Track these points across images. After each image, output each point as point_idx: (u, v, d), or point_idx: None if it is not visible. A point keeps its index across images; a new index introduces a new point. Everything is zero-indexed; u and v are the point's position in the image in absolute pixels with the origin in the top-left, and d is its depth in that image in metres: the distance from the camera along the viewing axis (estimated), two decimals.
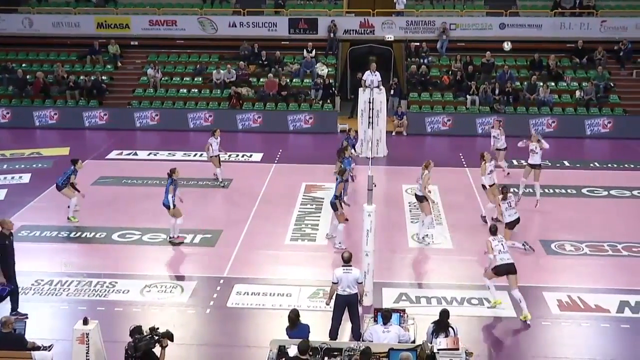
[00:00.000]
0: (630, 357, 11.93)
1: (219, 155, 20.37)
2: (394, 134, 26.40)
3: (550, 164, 22.02)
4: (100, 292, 13.89)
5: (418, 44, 29.86)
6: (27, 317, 12.34)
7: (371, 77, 23.48)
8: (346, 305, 11.68)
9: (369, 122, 22.70)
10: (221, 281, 14.44)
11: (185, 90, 28.91)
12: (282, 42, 30.60)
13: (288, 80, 28.57)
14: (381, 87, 23.44)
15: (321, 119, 27.41)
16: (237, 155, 23.84)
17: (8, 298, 12.67)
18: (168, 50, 30.99)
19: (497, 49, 29.60)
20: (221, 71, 28.77)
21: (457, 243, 16.42)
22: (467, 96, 27.68)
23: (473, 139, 26.26)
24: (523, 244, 15.68)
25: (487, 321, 13.09)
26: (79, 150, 23.93)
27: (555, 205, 18.79)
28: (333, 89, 28.73)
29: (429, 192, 16.50)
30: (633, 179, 21.46)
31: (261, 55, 29.65)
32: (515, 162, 22.39)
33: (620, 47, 29.29)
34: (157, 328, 9.63)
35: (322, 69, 29.07)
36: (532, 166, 18.54)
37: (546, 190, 19.43)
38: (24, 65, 30.10)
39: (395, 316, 10.72)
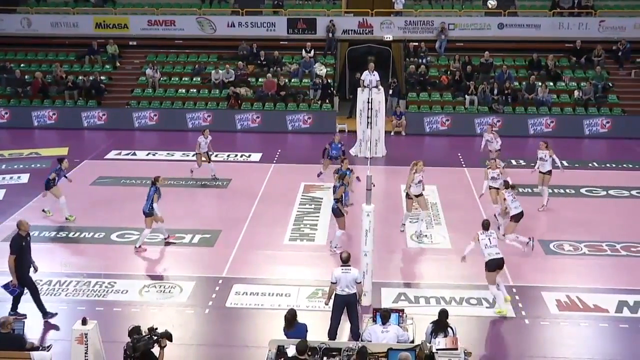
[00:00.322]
0: (629, 356, 11.93)
1: (207, 152, 20.62)
2: (392, 134, 26.40)
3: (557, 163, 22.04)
4: (99, 292, 13.89)
5: (417, 43, 29.87)
6: (25, 318, 12.34)
7: (369, 77, 23.51)
8: (345, 305, 11.69)
9: (368, 122, 22.71)
10: (220, 281, 14.44)
11: (183, 90, 28.91)
12: (281, 42, 30.60)
13: (287, 80, 28.57)
14: (380, 87, 23.45)
15: (320, 119, 27.41)
16: (236, 155, 23.86)
17: (12, 297, 12.72)
18: (167, 50, 30.99)
19: (495, 49, 29.62)
20: (220, 71, 28.77)
21: (455, 243, 16.40)
22: (466, 96, 27.70)
23: (471, 138, 26.21)
24: (529, 239, 15.72)
25: (486, 321, 13.10)
26: (77, 151, 23.97)
27: (553, 205, 18.77)
28: (332, 89, 28.74)
29: (413, 190, 16.62)
30: (632, 179, 21.48)
31: (260, 55, 29.66)
32: (514, 162, 22.46)
33: (619, 47, 29.30)
34: (156, 328, 9.62)
35: (320, 69, 29.07)
36: (543, 173, 18.53)
37: (535, 190, 19.39)
38: (22, 65, 30.12)
39: (394, 316, 10.73)
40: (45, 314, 12.75)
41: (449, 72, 28.97)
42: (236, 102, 27.81)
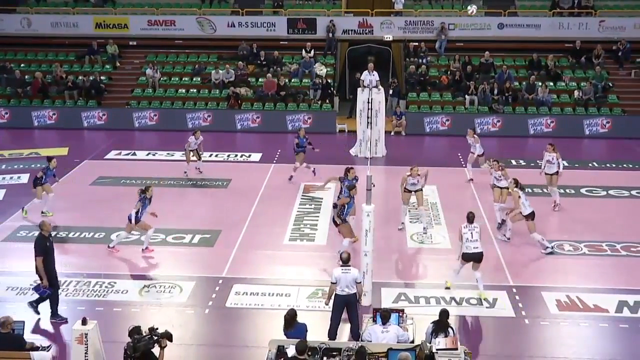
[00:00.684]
0: (628, 356, 11.93)
1: (196, 149, 20.94)
2: (392, 134, 26.39)
3: (565, 163, 22.06)
4: (99, 292, 13.89)
5: (417, 43, 29.88)
6: (66, 321, 12.51)
7: (369, 77, 23.51)
8: (345, 305, 11.69)
9: (368, 122, 22.72)
10: (220, 281, 14.44)
11: (183, 91, 28.91)
12: (281, 42, 30.60)
13: (287, 80, 28.57)
14: (380, 87, 23.45)
15: (320, 119, 27.40)
16: (236, 155, 23.86)
17: (49, 304, 12.78)
18: (167, 51, 30.99)
19: (495, 49, 29.63)
20: (220, 71, 28.76)
21: (455, 243, 16.33)
22: (466, 96, 27.70)
23: None
24: (552, 246, 15.70)
25: (486, 321, 13.10)
26: (77, 151, 23.98)
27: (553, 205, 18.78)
28: (332, 89, 28.74)
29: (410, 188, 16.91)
30: (632, 179, 21.48)
31: (260, 55, 29.65)
32: (514, 162, 22.48)
33: (619, 47, 29.30)
34: (156, 328, 9.62)
35: (320, 69, 29.07)
36: (550, 174, 18.50)
37: (545, 190, 19.43)
38: (22, 65, 30.14)
39: (394, 316, 10.73)
40: (55, 315, 12.72)
41: (449, 72, 28.97)
42: (236, 102, 27.81)
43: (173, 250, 16.09)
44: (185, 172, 21.11)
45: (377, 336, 10.30)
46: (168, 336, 9.58)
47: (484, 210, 18.04)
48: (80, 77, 28.84)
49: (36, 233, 16.61)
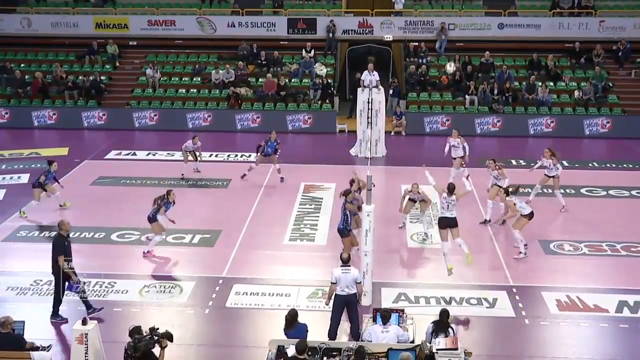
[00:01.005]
0: (629, 356, 11.93)
1: (193, 151, 21.04)
2: (392, 134, 26.39)
3: (563, 165, 22.07)
4: (99, 292, 13.88)
5: (417, 44, 29.87)
6: (66, 321, 12.61)
7: (369, 77, 23.51)
8: (345, 305, 11.69)
9: (368, 122, 22.72)
10: (220, 281, 14.45)
11: (184, 91, 28.91)
12: (281, 42, 30.60)
13: (287, 80, 28.57)
14: (380, 87, 23.45)
15: (320, 119, 27.41)
16: (236, 155, 23.87)
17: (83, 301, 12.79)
18: (167, 51, 30.99)
19: (496, 49, 29.63)
20: (220, 71, 28.77)
21: (456, 243, 16.38)
22: (466, 96, 27.70)
23: (472, 139, 26.14)
24: (526, 254, 15.51)
25: (486, 321, 13.11)
26: (78, 151, 23.98)
27: (554, 205, 18.76)
28: (332, 89, 28.74)
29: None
30: (632, 179, 21.48)
31: (260, 55, 29.65)
32: (514, 162, 22.49)
33: (619, 47, 29.31)
34: (157, 328, 9.63)
35: (320, 69, 29.07)
36: (550, 177, 18.49)
37: (545, 191, 19.43)
38: (22, 65, 30.14)
39: (394, 316, 10.73)
40: (55, 315, 12.73)
41: (450, 72, 28.96)
42: (236, 102, 27.81)
43: (173, 250, 16.09)
44: (182, 173, 21.08)
45: (377, 336, 10.30)
46: (168, 336, 9.59)
47: (484, 210, 18.00)
48: (80, 77, 28.84)
49: (36, 233, 16.81)
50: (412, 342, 10.39)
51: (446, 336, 10.12)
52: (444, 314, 10.58)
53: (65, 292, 12.65)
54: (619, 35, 29.66)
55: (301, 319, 10.83)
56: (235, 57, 29.83)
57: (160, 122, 27.52)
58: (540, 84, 27.79)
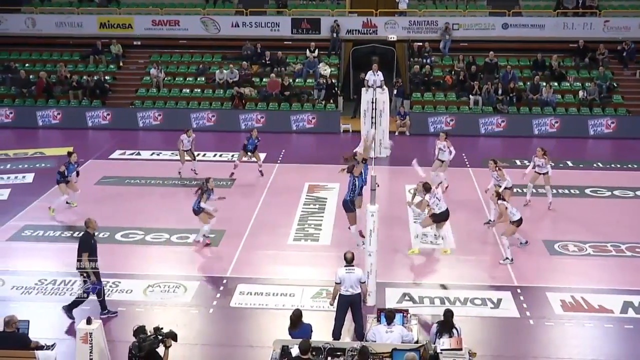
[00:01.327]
0: (633, 357, 11.91)
1: (190, 150, 20.84)
2: (396, 134, 26.38)
3: (553, 164, 21.97)
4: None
5: (421, 44, 29.85)
6: (116, 314, 12.74)
7: (373, 77, 23.52)
8: (349, 305, 11.69)
9: (372, 122, 22.71)
10: (224, 281, 14.46)
11: (188, 90, 28.92)
12: (285, 42, 30.60)
13: (291, 81, 28.58)
14: (384, 87, 23.43)
15: (324, 119, 27.41)
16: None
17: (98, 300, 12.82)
18: (171, 50, 31.01)
19: (500, 49, 29.59)
20: (224, 71, 28.78)
21: (459, 243, 16.40)
22: (470, 96, 27.66)
23: (476, 139, 26.28)
24: (511, 260, 15.30)
25: (491, 321, 13.09)
26: (82, 150, 23.84)
27: (558, 206, 18.74)
28: (336, 89, 28.72)
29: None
30: (636, 179, 21.42)
31: (264, 55, 29.65)
32: (518, 162, 22.44)
33: (624, 47, 29.24)
34: (161, 328, 9.64)
35: (324, 69, 29.06)
36: (540, 173, 18.43)
37: (536, 190, 19.38)
38: (27, 65, 30.15)
39: (398, 316, 10.72)
40: (70, 310, 12.71)
41: (453, 72, 28.95)
42: (240, 102, 27.82)
43: (177, 250, 16.10)
44: (180, 172, 21.06)
45: (382, 336, 10.29)
46: (173, 336, 9.60)
47: (489, 210, 17.96)
48: (84, 77, 28.86)
49: (41, 233, 16.82)
50: (417, 342, 10.38)
51: (450, 336, 10.12)
52: (449, 314, 10.56)
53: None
54: (623, 36, 29.60)
55: (305, 319, 10.84)
56: (239, 57, 29.84)
57: (164, 122, 27.53)
58: (544, 84, 27.75)
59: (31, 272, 14.67)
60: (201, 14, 30.79)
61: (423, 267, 15.56)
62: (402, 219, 17.35)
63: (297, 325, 10.61)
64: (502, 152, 23.21)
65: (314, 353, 9.45)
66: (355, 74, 30.22)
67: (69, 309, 12.69)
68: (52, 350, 10.29)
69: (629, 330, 12.68)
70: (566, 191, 20.05)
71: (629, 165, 22.99)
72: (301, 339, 9.58)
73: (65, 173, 17.97)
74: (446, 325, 10.40)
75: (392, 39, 30.50)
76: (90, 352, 10.28)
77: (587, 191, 20.21)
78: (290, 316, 10.67)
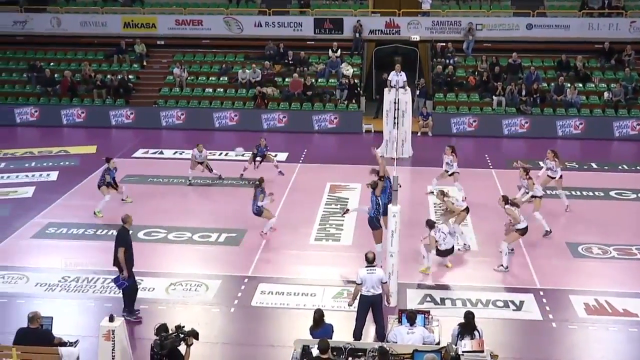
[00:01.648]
0: None
1: (204, 162, 20.35)
2: (419, 134, 26.28)
3: (577, 166, 21.82)
4: None
5: (444, 44, 29.71)
6: (140, 319, 12.64)
7: (396, 77, 23.45)
8: (370, 305, 11.67)
9: (394, 123, 22.65)
10: (245, 280, 14.49)
11: (210, 90, 29.03)
12: (308, 42, 30.60)
13: (313, 80, 28.58)
14: (407, 87, 23.36)
15: (346, 119, 27.38)
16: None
17: (123, 297, 12.88)
18: (194, 50, 31.16)
19: (524, 50, 29.36)
20: (247, 71, 28.86)
21: (482, 245, 16.30)
22: (493, 97, 27.48)
23: (499, 140, 26.10)
24: (507, 268, 14.93)
25: (513, 324, 12.99)
26: (105, 149, 24.16)
27: (582, 208, 18.58)
28: (358, 89, 28.68)
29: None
30: None
31: (287, 55, 29.68)
32: (541, 163, 22.21)
33: None
34: (183, 326, 9.68)
35: (347, 69, 29.04)
36: (552, 177, 18.24)
37: (573, 193, 19.24)
38: (52, 64, 30.48)
39: (419, 318, 10.68)
40: (131, 313, 12.70)
41: (476, 73, 28.78)
42: (263, 101, 27.87)
43: (199, 249, 16.18)
44: (189, 180, 20.54)
45: (403, 337, 10.26)
46: (194, 334, 9.64)
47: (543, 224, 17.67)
48: (108, 76, 29.09)
49: (64, 230, 16.97)
50: (438, 344, 10.34)
51: (472, 338, 10.06)
52: (470, 315, 10.49)
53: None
54: None
55: (326, 319, 10.83)
56: (262, 57, 29.90)
57: (187, 121, 27.67)
58: (569, 85, 27.49)
59: (55, 270, 14.80)
60: (224, 14, 30.90)
61: (444, 268, 15.47)
62: (424, 220, 17.22)
63: (320, 324, 10.61)
64: (525, 154, 22.98)
65: (334, 353, 9.44)
66: (378, 74, 30.19)
67: (128, 311, 12.66)
68: (75, 346, 10.38)
69: None
70: (590, 193, 19.84)
71: None
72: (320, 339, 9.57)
73: (106, 179, 18.17)
74: (467, 327, 10.34)
75: (415, 39, 30.40)
76: (113, 350, 10.36)
77: (612, 193, 19.98)
78: (314, 315, 10.67)
